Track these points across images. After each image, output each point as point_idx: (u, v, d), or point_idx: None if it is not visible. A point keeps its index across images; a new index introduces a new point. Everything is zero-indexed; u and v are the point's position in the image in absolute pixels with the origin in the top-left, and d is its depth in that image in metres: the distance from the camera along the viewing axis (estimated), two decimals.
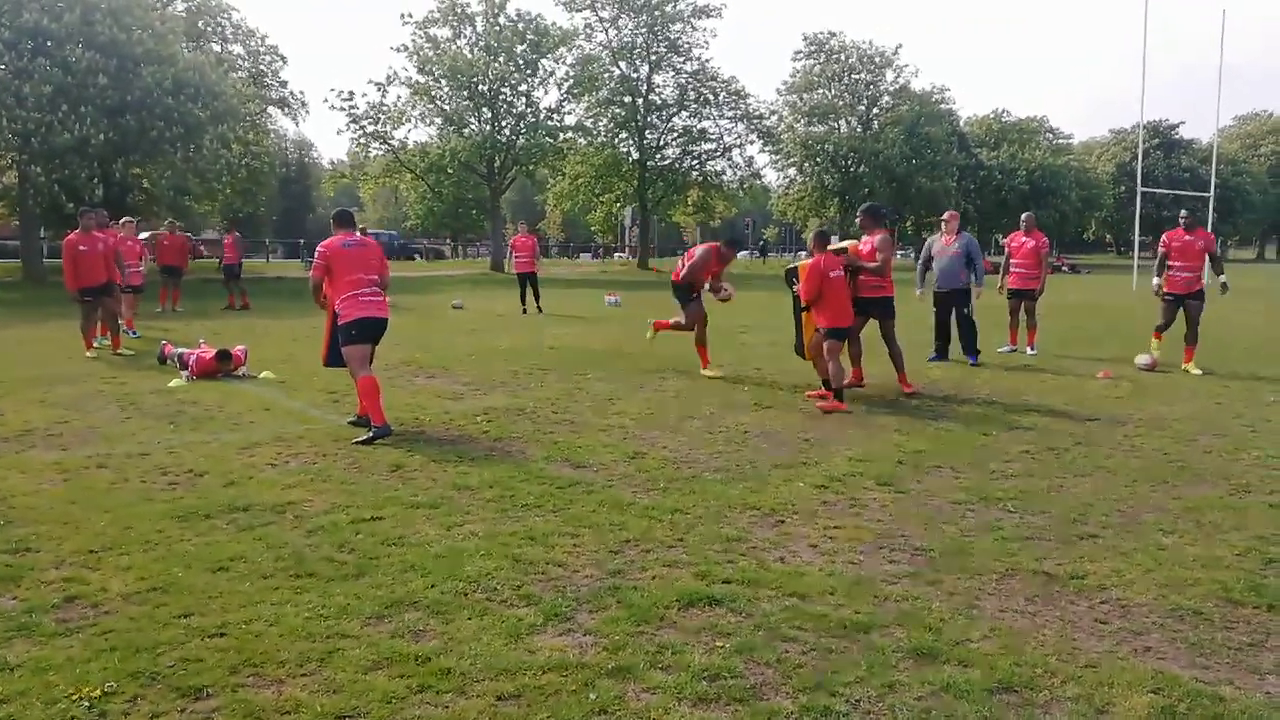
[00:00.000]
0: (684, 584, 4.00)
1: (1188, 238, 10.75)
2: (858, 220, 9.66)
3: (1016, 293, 12.27)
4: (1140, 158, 36.99)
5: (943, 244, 11.47)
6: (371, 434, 6.73)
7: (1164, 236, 11.19)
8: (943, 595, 3.92)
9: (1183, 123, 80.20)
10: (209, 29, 40.78)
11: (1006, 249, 12.66)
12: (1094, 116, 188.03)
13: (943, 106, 59.04)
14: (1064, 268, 48.19)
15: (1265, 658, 3.37)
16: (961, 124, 63.53)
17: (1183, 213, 11.26)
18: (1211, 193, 35.88)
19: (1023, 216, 12.83)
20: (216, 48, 40.77)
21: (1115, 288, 31.88)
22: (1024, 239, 12.31)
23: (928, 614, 3.70)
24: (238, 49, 44.42)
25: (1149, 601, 3.86)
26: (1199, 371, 10.41)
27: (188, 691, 3.03)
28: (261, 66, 45.50)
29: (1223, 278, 11.23)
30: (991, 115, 68.95)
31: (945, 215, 12.03)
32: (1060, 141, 70.27)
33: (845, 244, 9.25)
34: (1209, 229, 46.44)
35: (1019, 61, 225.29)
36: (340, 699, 2.98)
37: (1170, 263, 10.85)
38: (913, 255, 42.69)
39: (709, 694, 3.04)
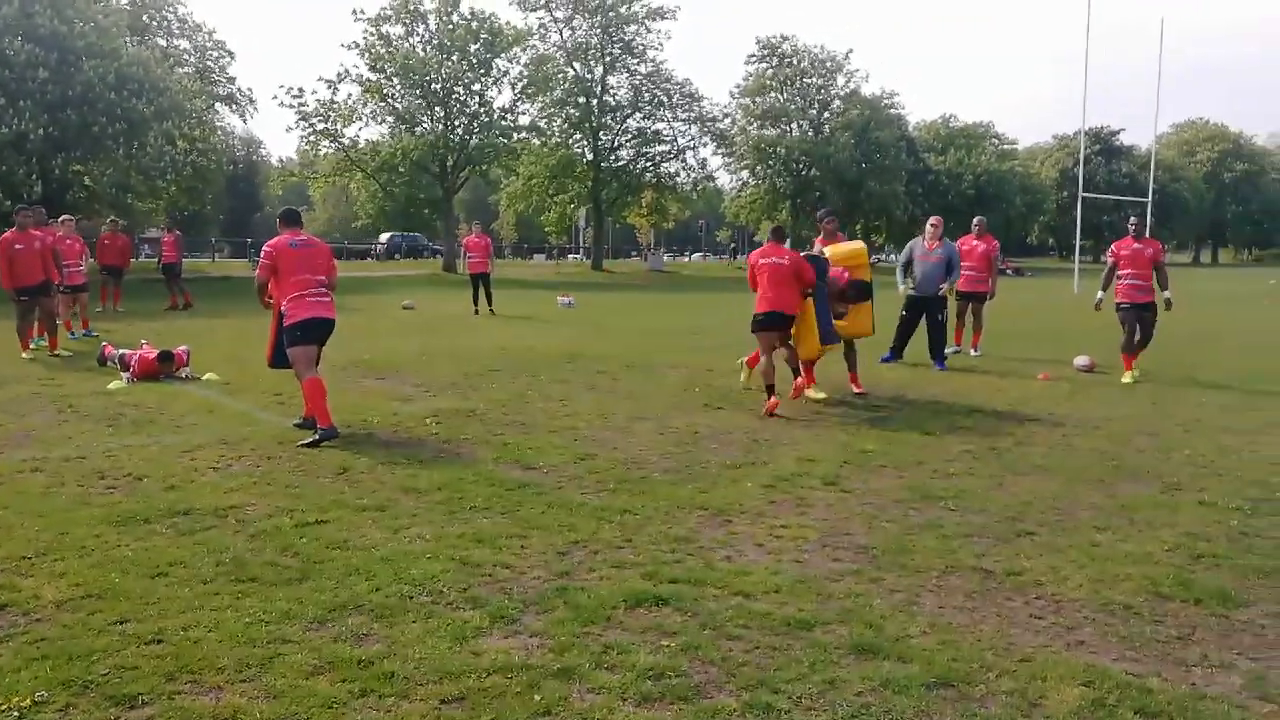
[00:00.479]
0: (631, 584, 4.02)
1: (1136, 245, 10.45)
2: (824, 224, 9.58)
3: (966, 295, 12.45)
4: (1082, 164, 37.99)
5: (925, 249, 11.28)
6: (317, 436, 6.65)
7: (1113, 245, 10.95)
8: (884, 592, 4.00)
9: (1123, 130, 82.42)
10: (153, 23, 39.90)
11: (957, 252, 12.75)
12: (1039, 123, 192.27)
13: (892, 111, 59.96)
14: (1008, 270, 49.18)
15: (1191, 650, 3.49)
16: (910, 129, 64.51)
17: (1131, 220, 10.98)
18: (1150, 198, 36.92)
19: (974, 220, 13.05)
20: (162, 42, 39.88)
21: (1057, 290, 32.66)
22: (975, 242, 12.54)
23: (869, 611, 3.77)
24: (184, 44, 43.49)
25: (1082, 597, 3.97)
26: (1131, 379, 10.11)
27: (122, 700, 2.97)
28: (208, 62, 44.60)
29: (1167, 293, 10.66)
30: (939, 120, 70.11)
31: (931, 220, 11.79)
32: (1006, 147, 71.68)
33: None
34: (1149, 234, 47.78)
35: (967, 68, 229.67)
36: (280, 705, 2.94)
37: (1120, 271, 10.52)
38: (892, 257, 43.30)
39: (653, 693, 3.06)
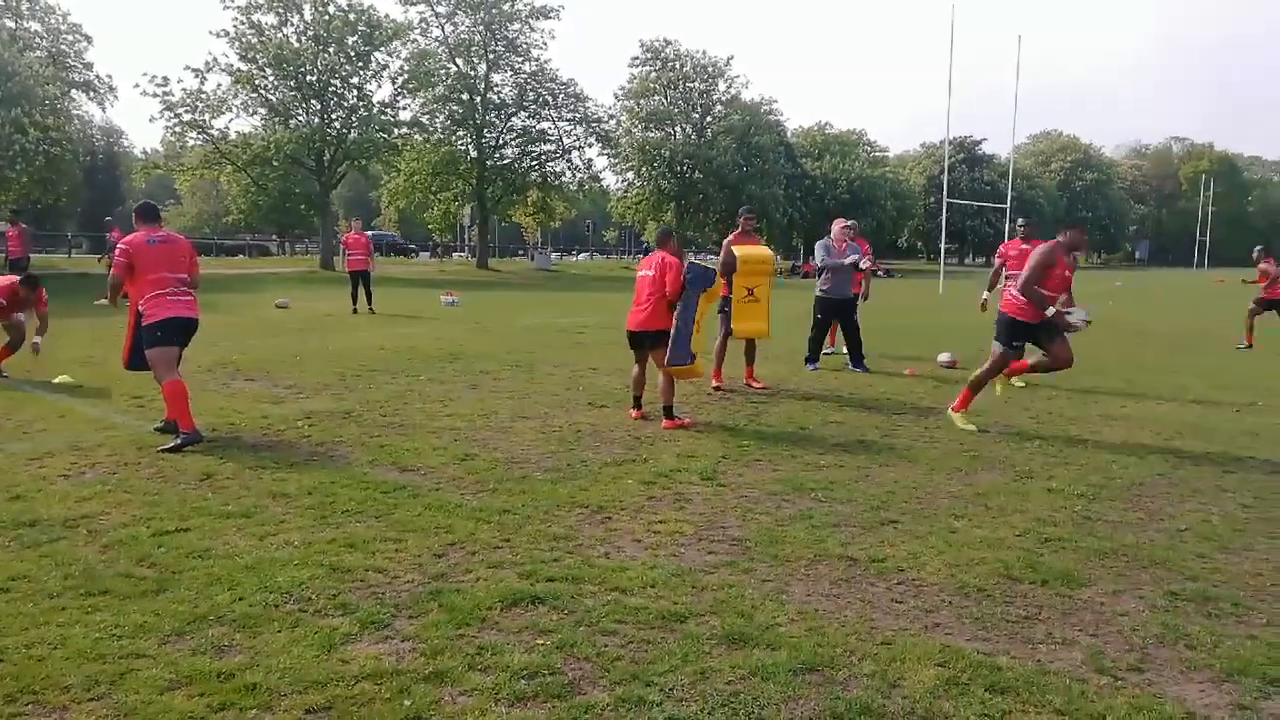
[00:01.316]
0: (508, 584, 3.99)
1: (1024, 247, 9.96)
2: (743, 220, 9.67)
3: None
4: (946, 171, 39.84)
5: (838, 251, 11.10)
6: (179, 440, 6.33)
7: (1001, 246, 10.66)
8: (756, 582, 4.10)
9: (985, 139, 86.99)
10: (1, 3, 37.19)
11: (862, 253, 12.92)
12: (909, 131, 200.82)
13: (771, 117, 61.50)
14: (879, 272, 51.17)
15: (1038, 629, 3.71)
16: (788, 135, 66.32)
17: (1020, 222, 10.67)
18: (1009, 204, 39.09)
19: (847, 224, 13.27)
20: (10, 24, 37.26)
21: (924, 291, 34.18)
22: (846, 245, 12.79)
23: (741, 601, 3.87)
24: (35, 26, 40.77)
25: (940, 581, 4.18)
26: (1022, 383, 9.70)
27: None
28: (63, 46, 41.94)
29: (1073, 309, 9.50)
30: (815, 127, 72.33)
31: (847, 223, 11.53)
32: (878, 154, 74.56)
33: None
34: (1007, 239, 50.36)
35: (841, 78, 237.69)
36: None
37: (1007, 272, 10.13)
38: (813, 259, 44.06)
39: (526, 692, 3.05)
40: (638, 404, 8.02)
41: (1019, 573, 4.29)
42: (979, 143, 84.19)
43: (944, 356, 11.76)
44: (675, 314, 7.64)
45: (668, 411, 7.62)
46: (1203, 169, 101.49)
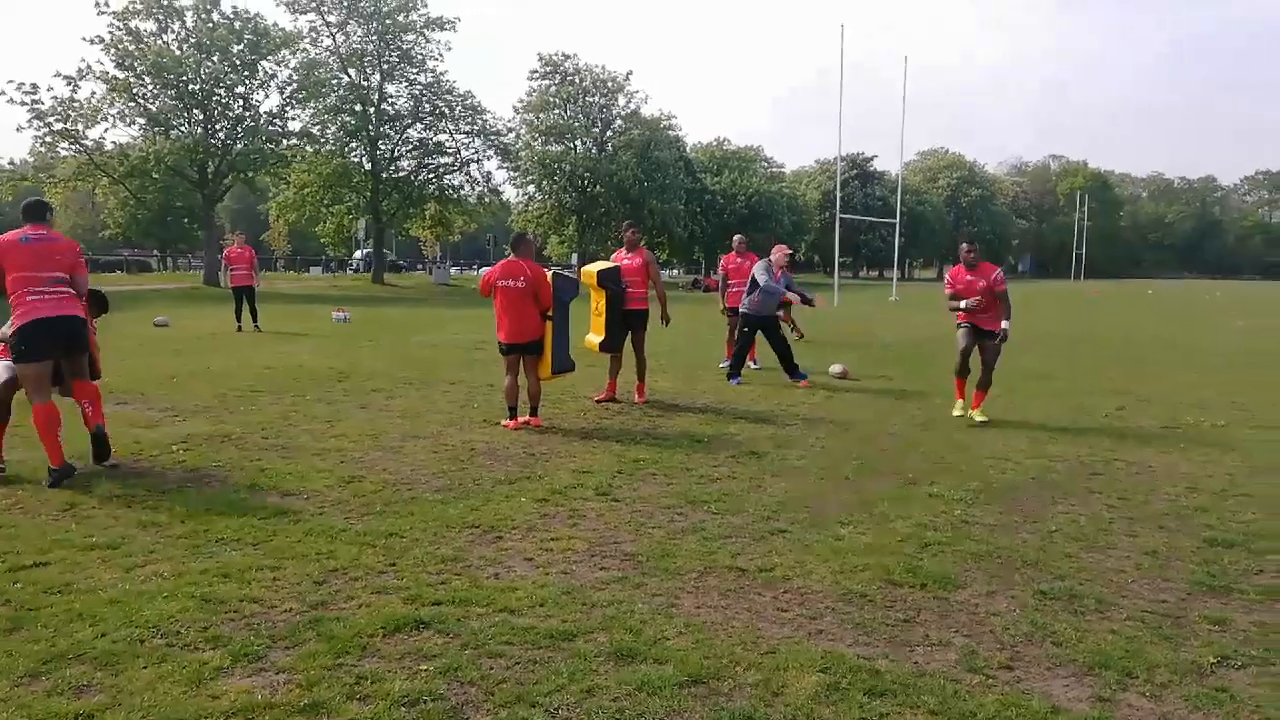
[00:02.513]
0: (391, 610, 3.89)
1: (969, 277, 8.81)
2: (626, 235, 9.75)
3: (734, 310, 12.55)
4: (838, 187, 41.02)
5: (774, 275, 11.12)
6: (51, 477, 5.84)
7: (948, 275, 9.26)
8: (646, 597, 4.11)
9: (876, 156, 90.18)
10: None
11: (723, 270, 13.08)
12: (804, 147, 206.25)
13: (671, 133, 62.27)
14: (812, 304, 52.25)
15: (916, 631, 3.83)
16: (688, 150, 67.30)
17: (964, 247, 9.02)
18: (898, 219, 40.52)
19: (734, 239, 13.38)
20: None
21: (818, 304, 35.02)
22: (739, 260, 12.71)
23: (630, 616, 3.86)
24: None
25: (824, 588, 4.27)
26: (984, 419, 8.73)
27: None
28: None
29: (1005, 324, 8.71)
30: (714, 143, 73.68)
31: (785, 249, 11.60)
32: (775, 170, 76.46)
33: (609, 263, 9.49)
34: (896, 252, 51.86)
35: (737, 94, 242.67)
36: None
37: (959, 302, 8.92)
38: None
39: None
40: (513, 413, 8.15)
41: (900, 577, 4.42)
42: (870, 159, 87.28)
43: (836, 368, 12.08)
44: (551, 324, 8.22)
45: (535, 411, 8.28)
46: (1078, 185, 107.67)
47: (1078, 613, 4.05)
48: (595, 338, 9.48)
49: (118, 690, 3.13)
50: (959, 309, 8.92)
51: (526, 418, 8.21)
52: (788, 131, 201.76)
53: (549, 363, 8.33)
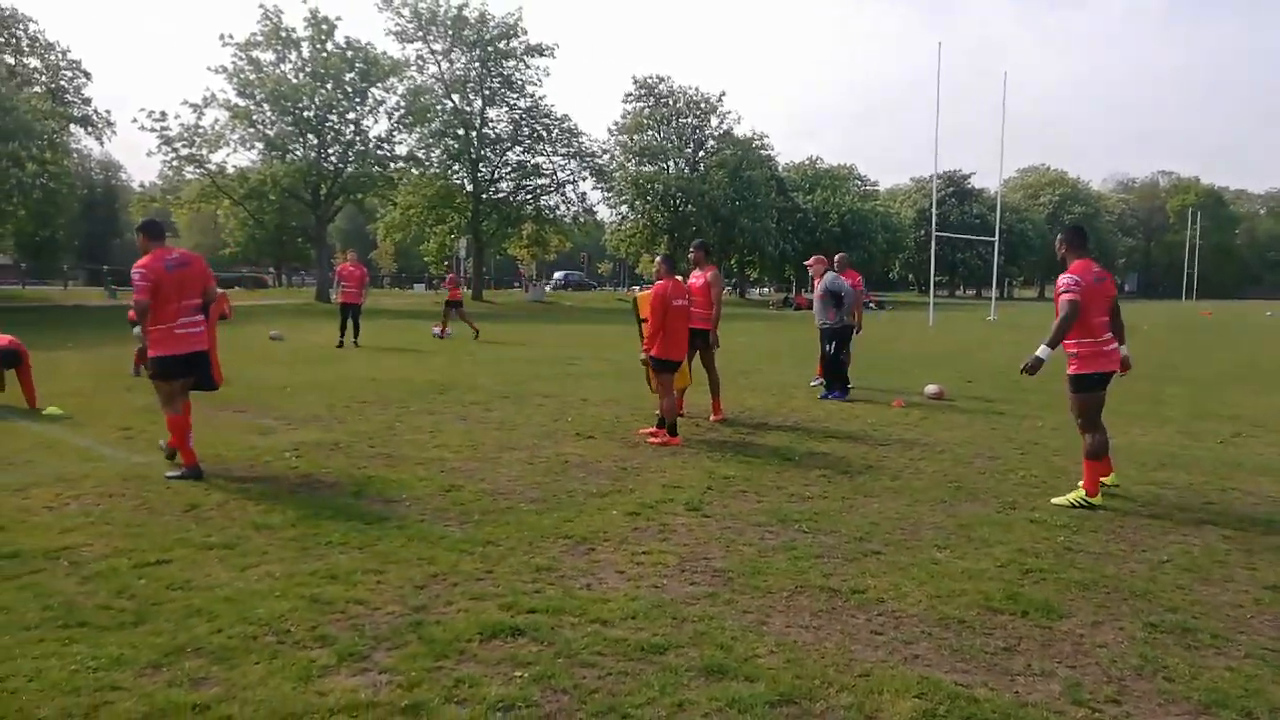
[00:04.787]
0: (488, 616, 3.99)
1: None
2: (690, 255, 9.80)
3: None
4: (934, 205, 40.18)
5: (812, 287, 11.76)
6: (181, 473, 6.32)
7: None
8: (736, 613, 4.11)
9: (974, 173, 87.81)
10: (1, 40, 37.58)
11: (840, 282, 12.95)
12: (899, 165, 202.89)
13: (763, 152, 62.12)
14: (872, 304, 51.43)
15: (1016, 660, 3.72)
16: (780, 169, 66.97)
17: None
18: (998, 237, 39.39)
19: (836, 257, 13.21)
20: (10, 60, 37.61)
21: (913, 322, 34.29)
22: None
23: (721, 633, 3.87)
24: (34, 62, 41.16)
25: (920, 612, 4.19)
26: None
27: None
28: (62, 82, 42.31)
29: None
30: (806, 161, 73.10)
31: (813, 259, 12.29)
32: (869, 188, 75.34)
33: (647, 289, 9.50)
34: (995, 271, 50.29)
35: (831, 113, 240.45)
36: None
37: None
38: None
39: None
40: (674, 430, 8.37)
41: (999, 604, 4.30)
42: (967, 176, 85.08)
43: (931, 388, 11.81)
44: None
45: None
46: (1189, 202, 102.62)
47: (1191, 648, 3.86)
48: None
49: (232, 684, 3.31)
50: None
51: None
52: (883, 150, 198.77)
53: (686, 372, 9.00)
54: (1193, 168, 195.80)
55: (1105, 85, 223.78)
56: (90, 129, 45.05)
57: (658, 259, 9.03)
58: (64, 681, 3.27)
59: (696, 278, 9.48)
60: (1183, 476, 7.22)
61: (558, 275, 71.98)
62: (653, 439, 8.29)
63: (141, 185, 61.92)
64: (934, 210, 39.62)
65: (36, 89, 38.17)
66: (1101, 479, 6.37)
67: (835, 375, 11.55)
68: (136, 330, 10.07)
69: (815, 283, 11.87)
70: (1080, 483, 6.36)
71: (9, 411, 8.97)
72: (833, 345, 11.49)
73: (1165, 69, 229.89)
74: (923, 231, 73.01)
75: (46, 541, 4.92)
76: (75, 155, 43.41)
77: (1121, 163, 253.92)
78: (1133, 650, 3.81)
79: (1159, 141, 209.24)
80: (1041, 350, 6.23)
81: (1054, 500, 6.30)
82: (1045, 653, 3.79)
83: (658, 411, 8.58)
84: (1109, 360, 6.37)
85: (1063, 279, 6.25)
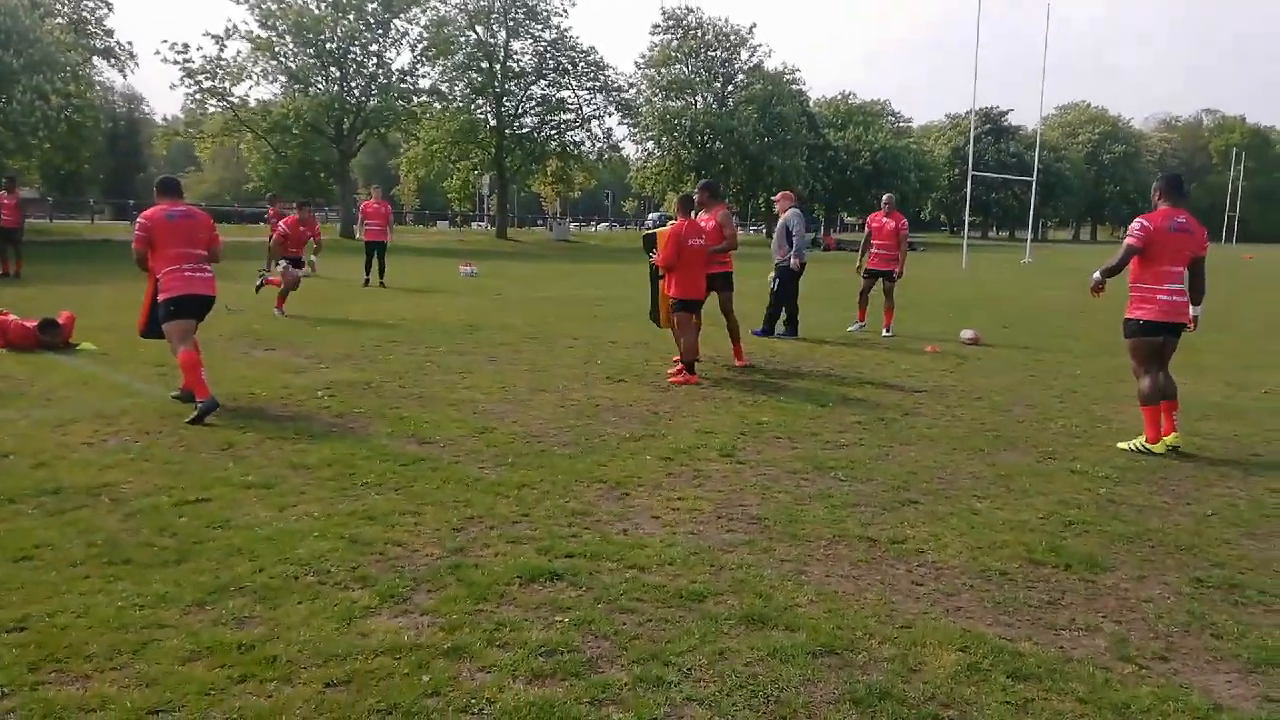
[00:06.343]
0: (526, 560, 3.99)
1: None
2: (695, 196, 9.41)
3: (873, 273, 12.29)
4: (972, 142, 39.25)
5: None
6: (197, 411, 6.35)
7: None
8: (774, 562, 4.08)
9: (1011, 110, 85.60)
10: None
11: (868, 229, 12.59)
12: (933, 101, 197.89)
13: (794, 87, 60.78)
14: (919, 247, 50.64)
15: (1061, 614, 3.67)
16: (811, 104, 65.55)
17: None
18: (1035, 177, 38.52)
19: (884, 197, 12.77)
20: None
21: (947, 265, 33.79)
22: (884, 220, 12.26)
23: (759, 581, 3.84)
24: None
25: (961, 563, 4.14)
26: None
27: None
28: (84, 13, 41.92)
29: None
30: (839, 97, 71.54)
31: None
32: (902, 125, 73.71)
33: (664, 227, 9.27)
34: (1031, 212, 49.52)
35: (866, 45, 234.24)
36: (152, 693, 2.82)
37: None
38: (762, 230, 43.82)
39: (544, 670, 3.05)
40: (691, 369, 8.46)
41: (1042, 556, 4.24)
42: (1005, 114, 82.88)
43: (967, 333, 11.64)
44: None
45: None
46: (1233, 142, 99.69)
47: (1238, 604, 3.80)
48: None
49: (275, 623, 3.33)
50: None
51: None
52: (918, 85, 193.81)
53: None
54: (1239, 106, 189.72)
55: (1151, 17, 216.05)
56: (113, 61, 44.79)
57: (677, 198, 8.88)
58: (112, 618, 3.30)
59: (705, 220, 9.07)
60: (1227, 427, 7.09)
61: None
62: (674, 378, 8.30)
63: (164, 118, 61.84)
64: (971, 148, 38.68)
65: (59, 20, 37.85)
66: (1164, 437, 6.24)
67: (773, 314, 11.69)
68: (282, 265, 12.12)
69: (780, 218, 11.92)
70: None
71: (55, 349, 9.03)
72: (776, 283, 11.62)
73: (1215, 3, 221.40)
74: (957, 170, 71.51)
75: (87, 478, 4.97)
76: (98, 88, 43.15)
77: (1165, 102, 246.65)
78: (1179, 606, 3.75)
79: (1204, 78, 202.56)
80: (1096, 273, 6.43)
81: (1119, 444, 6.37)
82: (1090, 607, 3.73)
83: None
84: (1163, 310, 6.27)
85: (1134, 221, 6.44)
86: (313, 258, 13.68)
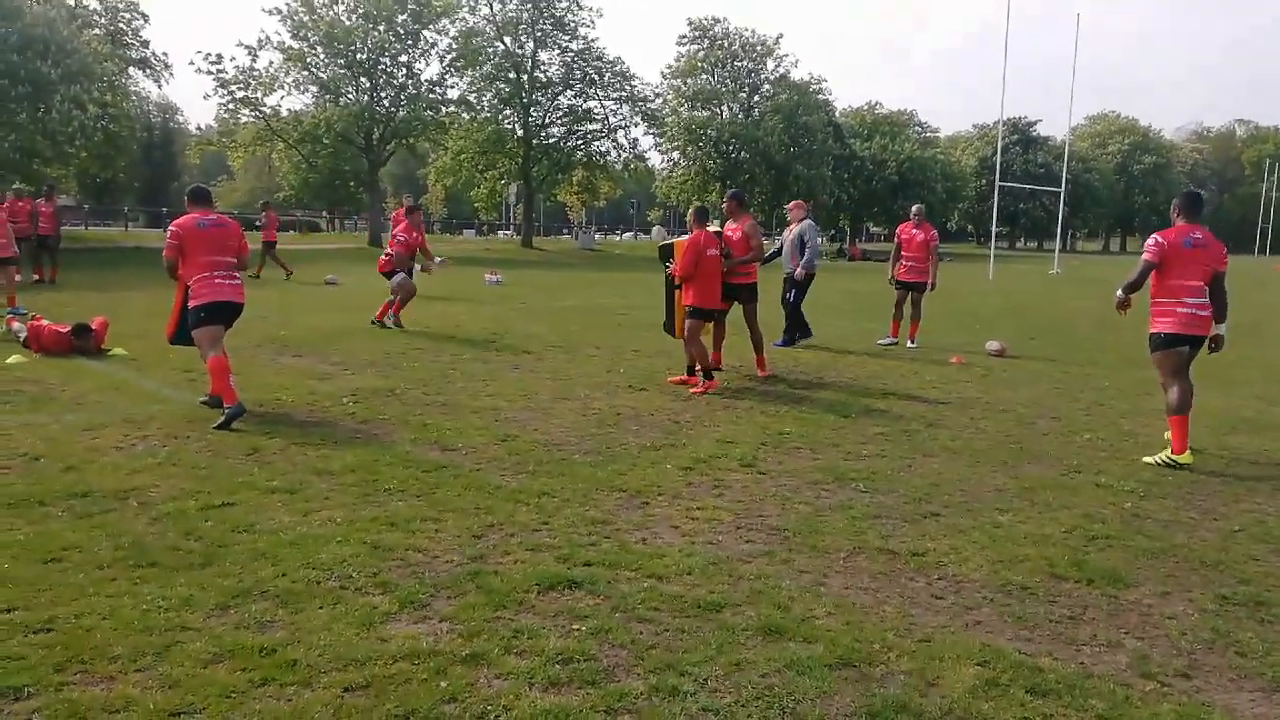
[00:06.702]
0: (545, 567, 4.01)
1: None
2: (724, 205, 9.57)
3: (905, 285, 12.15)
4: (999, 153, 38.97)
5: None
6: (225, 416, 6.44)
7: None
8: (793, 573, 4.07)
9: (1040, 120, 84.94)
10: None
11: (897, 240, 12.45)
12: (960, 111, 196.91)
13: (819, 96, 60.57)
14: (947, 258, 50.27)
15: (1082, 629, 3.63)
16: (837, 114, 65.33)
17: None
18: (1063, 188, 38.16)
19: (914, 209, 12.66)
20: (70, 1, 38.03)
21: (973, 276, 33.51)
22: (914, 231, 12.13)
23: (778, 592, 3.84)
24: (93, 4, 41.61)
25: (982, 577, 4.11)
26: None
27: (5, 692, 2.85)
28: (120, 24, 42.74)
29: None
30: (865, 107, 71.17)
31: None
32: (928, 135, 73.19)
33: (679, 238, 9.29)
34: (1059, 223, 49.04)
35: (891, 56, 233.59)
36: (175, 695, 2.86)
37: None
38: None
39: (561, 678, 3.06)
40: (710, 375, 8.48)
41: (1064, 571, 4.20)
42: (1033, 124, 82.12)
43: (993, 345, 11.55)
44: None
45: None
46: (1267, 153, 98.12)
47: (1264, 622, 3.74)
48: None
49: (296, 627, 3.37)
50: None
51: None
52: (945, 95, 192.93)
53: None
54: (1273, 116, 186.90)
55: (1184, 28, 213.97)
56: (148, 71, 45.61)
57: (692, 209, 8.89)
58: (137, 620, 3.36)
59: (732, 230, 9.11)
60: (1257, 442, 6.98)
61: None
62: (695, 389, 8.28)
63: (198, 128, 62.72)
64: (998, 158, 38.39)
65: (96, 31, 38.61)
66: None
67: (793, 323, 11.76)
68: (397, 278, 12.08)
69: (792, 227, 12.02)
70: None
71: (83, 354, 9.20)
72: (791, 293, 11.71)
73: (1244, 9, 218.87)
74: (984, 181, 70.96)
75: (116, 482, 5.05)
76: (134, 98, 43.93)
77: (1197, 112, 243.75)
78: (1203, 623, 3.70)
79: (1238, 89, 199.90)
80: (1119, 290, 6.55)
81: (1145, 459, 6.31)
82: (1112, 623, 3.69)
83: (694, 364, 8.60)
84: (1184, 323, 6.35)
85: (1150, 237, 6.57)
86: (433, 261, 14.32)
